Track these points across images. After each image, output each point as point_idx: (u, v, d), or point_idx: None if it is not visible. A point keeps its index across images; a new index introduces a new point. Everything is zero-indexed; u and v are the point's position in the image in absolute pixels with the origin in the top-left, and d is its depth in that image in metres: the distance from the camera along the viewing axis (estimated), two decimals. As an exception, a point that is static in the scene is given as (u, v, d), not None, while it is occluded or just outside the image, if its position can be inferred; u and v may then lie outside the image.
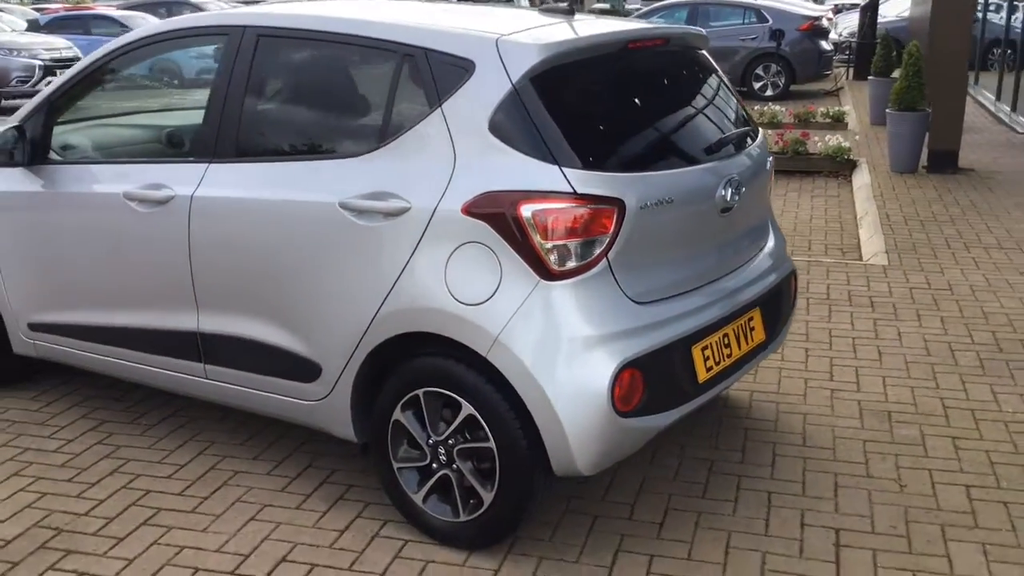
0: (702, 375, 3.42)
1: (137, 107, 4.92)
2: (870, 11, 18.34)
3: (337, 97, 3.73)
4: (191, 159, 3.81)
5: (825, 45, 17.29)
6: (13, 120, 4.24)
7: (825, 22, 17.64)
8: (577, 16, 3.72)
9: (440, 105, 3.27)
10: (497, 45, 3.24)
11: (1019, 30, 14.14)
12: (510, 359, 3.09)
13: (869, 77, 13.56)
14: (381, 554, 3.38)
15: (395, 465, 3.46)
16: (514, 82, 3.17)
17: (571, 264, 3.09)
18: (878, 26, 18.61)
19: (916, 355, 5.10)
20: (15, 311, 4.42)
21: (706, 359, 3.44)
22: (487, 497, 3.28)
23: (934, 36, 10.02)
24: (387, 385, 3.41)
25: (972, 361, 5.01)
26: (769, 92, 16.65)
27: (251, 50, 3.70)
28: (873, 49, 18.44)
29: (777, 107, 13.05)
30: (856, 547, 3.40)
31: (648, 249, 3.27)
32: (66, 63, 17.95)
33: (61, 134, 4.30)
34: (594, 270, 3.12)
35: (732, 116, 3.89)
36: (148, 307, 3.95)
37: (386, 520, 3.57)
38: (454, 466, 3.33)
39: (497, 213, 3.11)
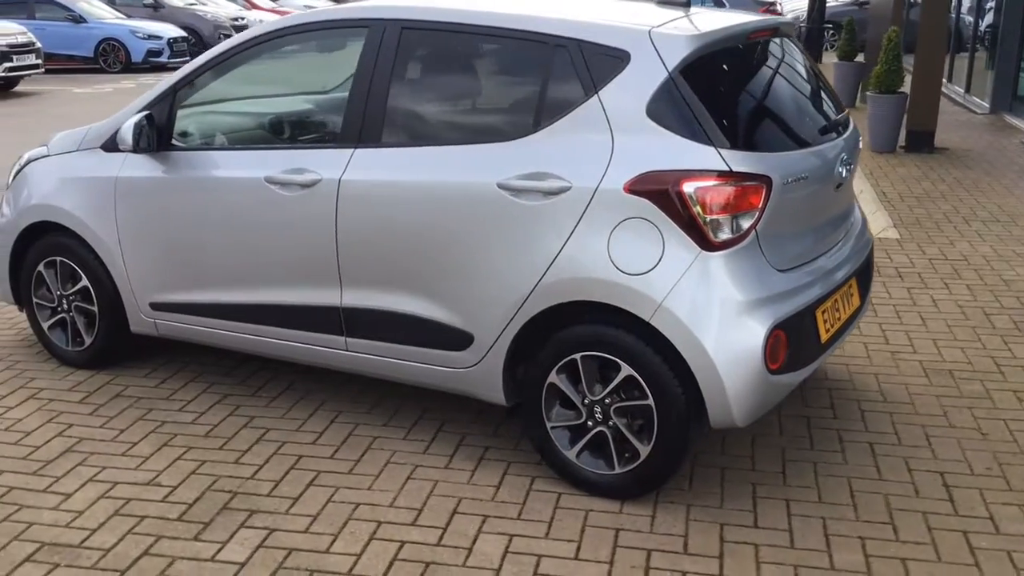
0: (823, 336, 3.78)
1: (267, 94, 5.08)
2: (819, -3, 18.98)
3: (487, 86, 3.99)
4: (334, 145, 4.03)
5: (779, 30, 17.84)
6: (137, 106, 4.41)
7: (778, 7, 18.22)
8: (692, 9, 4.04)
9: (597, 92, 3.55)
10: (651, 37, 3.54)
11: (968, 18, 14.86)
12: (674, 323, 3.40)
13: (835, 61, 14.11)
14: (542, 505, 3.68)
15: (548, 425, 3.76)
16: (669, 71, 3.48)
17: (726, 236, 3.42)
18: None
19: (955, 319, 5.55)
20: (136, 291, 4.58)
21: (825, 321, 3.80)
22: (643, 450, 3.59)
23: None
24: (544, 351, 3.69)
25: (1007, 324, 5.48)
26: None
27: (395, 42, 3.92)
28: (822, 33, 19.11)
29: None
30: (963, 487, 3.80)
31: (785, 222, 3.61)
32: (22, 48, 17.68)
33: (187, 120, 4.47)
34: (746, 241, 3.45)
35: (830, 98, 4.25)
36: (288, 285, 4.16)
37: (534, 476, 3.86)
38: (610, 423, 3.64)
39: (660, 190, 3.42)
